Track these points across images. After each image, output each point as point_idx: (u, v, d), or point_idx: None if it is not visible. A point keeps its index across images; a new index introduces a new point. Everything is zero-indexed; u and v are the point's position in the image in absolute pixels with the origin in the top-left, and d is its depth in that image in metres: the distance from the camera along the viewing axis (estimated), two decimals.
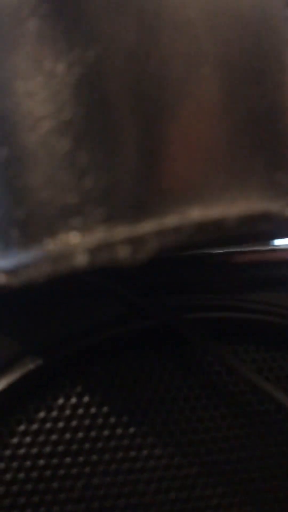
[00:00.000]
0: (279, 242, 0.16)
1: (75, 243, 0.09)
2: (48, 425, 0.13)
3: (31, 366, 0.13)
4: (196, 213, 0.09)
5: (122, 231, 0.09)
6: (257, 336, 0.15)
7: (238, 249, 0.15)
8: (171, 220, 0.09)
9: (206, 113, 0.10)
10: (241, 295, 0.14)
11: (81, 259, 0.08)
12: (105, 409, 0.13)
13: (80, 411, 0.13)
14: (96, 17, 0.09)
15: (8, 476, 0.13)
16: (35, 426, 0.13)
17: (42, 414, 0.13)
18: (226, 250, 0.15)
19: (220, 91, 0.10)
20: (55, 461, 0.13)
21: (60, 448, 0.13)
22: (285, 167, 0.11)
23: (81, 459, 0.13)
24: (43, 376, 0.13)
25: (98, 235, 0.09)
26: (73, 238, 0.09)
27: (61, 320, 0.14)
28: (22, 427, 0.13)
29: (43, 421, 0.13)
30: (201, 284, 0.14)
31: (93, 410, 0.13)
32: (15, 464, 0.13)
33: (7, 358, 0.13)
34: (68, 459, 0.13)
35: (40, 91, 0.09)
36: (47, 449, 0.13)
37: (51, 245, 0.09)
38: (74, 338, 0.14)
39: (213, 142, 0.10)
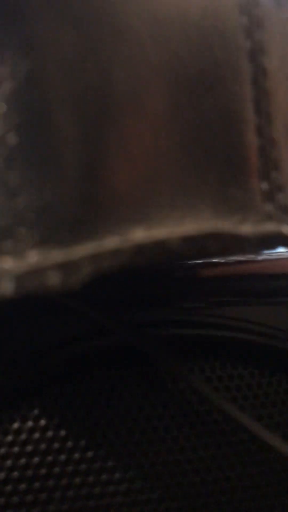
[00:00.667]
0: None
1: (7, 269, 0.08)
2: (3, 450, 0.13)
3: None
4: (139, 234, 0.09)
5: (55, 256, 0.08)
6: (233, 352, 0.14)
7: (204, 262, 0.14)
8: (110, 242, 0.09)
9: (152, 125, 0.10)
10: (213, 310, 0.14)
11: (6, 287, 0.08)
12: (62, 432, 0.13)
13: (36, 435, 0.13)
14: (29, 27, 0.09)
15: None
16: None
17: None
18: (191, 262, 0.14)
19: (167, 101, 0.10)
20: (9, 488, 0.13)
21: (15, 474, 0.13)
22: (239, 181, 0.10)
23: (37, 485, 0.13)
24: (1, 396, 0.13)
25: (30, 260, 0.08)
26: (6, 263, 0.09)
27: (16, 339, 0.13)
28: None
29: None
30: (168, 299, 0.14)
31: (50, 433, 0.13)
32: None
33: None
34: (23, 486, 0.13)
35: None
36: (1, 475, 0.13)
37: None
38: (30, 358, 0.13)
39: (160, 157, 0.10)
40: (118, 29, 0.09)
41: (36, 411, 0.13)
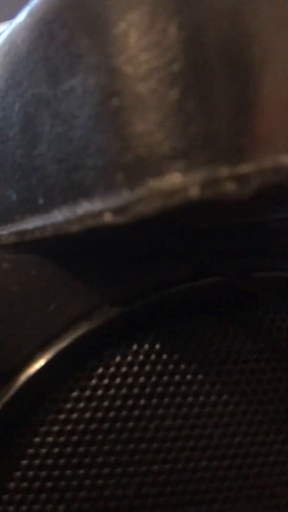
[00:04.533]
0: None
1: (182, 181, 0.10)
2: (124, 369, 0.14)
3: (110, 314, 0.14)
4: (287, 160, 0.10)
5: (225, 170, 0.10)
6: None
7: None
8: (267, 163, 0.10)
9: None
10: None
11: (194, 192, 0.09)
12: (175, 356, 0.14)
13: (153, 357, 0.14)
14: None
15: (86, 415, 0.14)
16: (111, 370, 0.14)
17: (117, 359, 0.14)
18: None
19: None
20: (130, 402, 0.14)
21: (135, 390, 0.14)
22: None
23: (154, 401, 0.14)
24: (120, 324, 0.14)
25: (204, 174, 0.10)
26: (179, 178, 0.10)
27: (137, 274, 0.14)
28: (99, 371, 0.14)
29: (119, 365, 0.14)
30: (266, 248, 0.15)
31: (164, 356, 0.14)
32: (93, 404, 0.14)
33: (87, 306, 0.14)
34: (142, 401, 0.14)
35: (153, 47, 0.10)
36: (123, 391, 0.14)
37: (158, 185, 0.10)
38: (149, 291, 0.14)
39: None
40: None
41: (151, 337, 0.14)
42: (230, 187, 0.09)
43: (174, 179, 0.10)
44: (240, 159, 0.10)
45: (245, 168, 0.10)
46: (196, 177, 0.09)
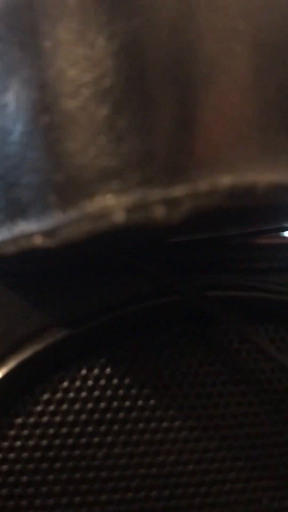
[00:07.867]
0: None
1: (112, 204, 0.09)
2: (71, 394, 0.14)
3: (57, 336, 0.14)
4: (228, 180, 0.10)
5: (157, 193, 0.09)
6: (277, 317, 0.15)
7: (261, 231, 0.15)
8: (204, 185, 0.09)
9: (237, 87, 0.11)
10: (264, 276, 0.15)
11: (119, 217, 0.09)
12: (127, 380, 0.14)
13: (103, 382, 0.14)
14: None
15: (31, 443, 0.13)
16: (58, 395, 0.14)
17: (65, 384, 0.14)
18: (250, 231, 0.15)
19: (251, 67, 0.11)
20: (77, 429, 0.13)
21: (83, 417, 0.14)
22: None
23: (103, 428, 0.14)
24: (69, 347, 0.14)
25: (134, 196, 0.09)
26: (110, 200, 0.09)
27: (88, 294, 0.14)
28: (46, 396, 0.14)
29: (67, 390, 0.14)
30: (224, 264, 0.15)
31: (115, 381, 0.14)
32: (38, 431, 0.13)
33: (35, 328, 0.14)
34: (90, 428, 0.13)
35: (82, 61, 0.10)
36: (70, 417, 0.13)
37: (89, 207, 0.09)
38: (100, 311, 0.14)
39: (243, 115, 0.11)
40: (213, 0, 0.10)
41: (102, 360, 0.14)
42: (158, 211, 0.09)
43: (104, 201, 0.09)
44: (174, 180, 0.09)
45: (178, 190, 0.09)
46: (125, 200, 0.09)
